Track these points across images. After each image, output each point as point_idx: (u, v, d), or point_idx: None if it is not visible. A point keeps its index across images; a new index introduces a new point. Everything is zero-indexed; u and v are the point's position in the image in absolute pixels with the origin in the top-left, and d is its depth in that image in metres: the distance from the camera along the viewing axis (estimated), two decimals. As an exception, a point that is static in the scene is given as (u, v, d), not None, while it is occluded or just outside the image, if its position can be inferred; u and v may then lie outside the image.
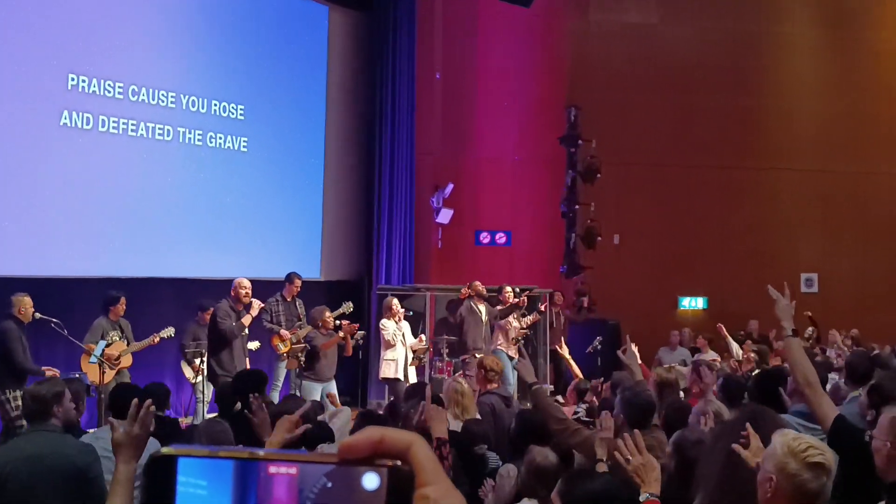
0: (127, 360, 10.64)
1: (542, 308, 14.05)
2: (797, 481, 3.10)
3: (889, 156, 19.37)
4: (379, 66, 15.90)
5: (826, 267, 19.11)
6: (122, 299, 10.73)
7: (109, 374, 10.33)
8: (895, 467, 3.65)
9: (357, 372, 14.05)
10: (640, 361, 7.22)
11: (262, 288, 11.46)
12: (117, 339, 10.60)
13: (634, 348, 7.31)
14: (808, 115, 19.12)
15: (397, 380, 11.98)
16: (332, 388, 11.05)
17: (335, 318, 11.28)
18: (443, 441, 4.93)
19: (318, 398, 10.80)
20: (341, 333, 11.12)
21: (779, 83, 19.13)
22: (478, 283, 13.07)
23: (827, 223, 19.11)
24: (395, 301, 12.43)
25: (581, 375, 9.55)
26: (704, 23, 18.76)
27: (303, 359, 10.96)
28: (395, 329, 12.22)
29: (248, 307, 10.55)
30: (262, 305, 10.86)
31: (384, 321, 12.29)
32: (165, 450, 0.85)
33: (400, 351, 12.20)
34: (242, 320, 10.45)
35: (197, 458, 0.85)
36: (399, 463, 0.84)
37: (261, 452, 0.85)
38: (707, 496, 3.63)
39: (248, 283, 10.59)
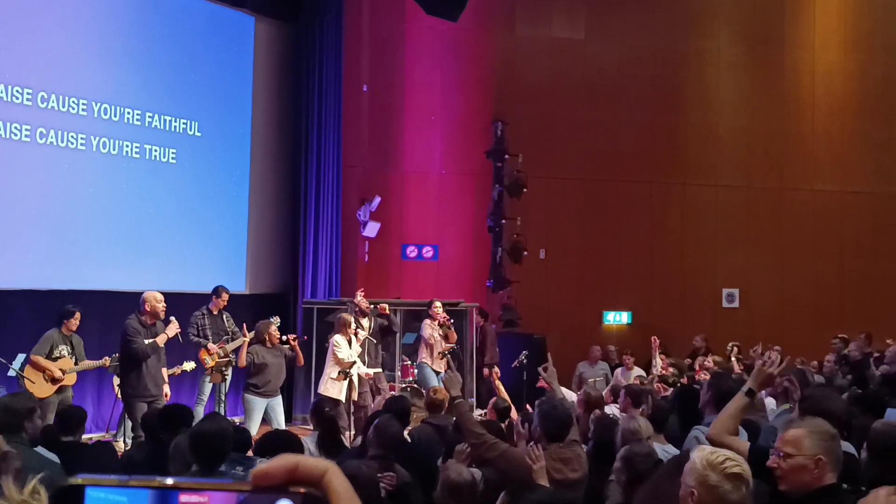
0: (71, 378, 10.43)
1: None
2: (718, 493, 3.18)
3: (808, 172, 19.77)
4: (305, 78, 15.82)
5: (747, 282, 19.43)
6: (78, 314, 10.53)
7: (49, 389, 10.13)
8: (824, 476, 3.69)
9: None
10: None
11: (189, 301, 11.29)
12: (66, 354, 10.40)
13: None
14: (731, 132, 19.46)
15: (339, 402, 11.32)
16: (278, 404, 10.88)
17: (294, 336, 11.20)
18: None
19: (260, 414, 10.66)
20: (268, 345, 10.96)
21: (702, 100, 19.44)
22: (360, 296, 12.87)
23: (748, 239, 19.43)
24: (351, 318, 11.94)
25: (506, 396, 9.58)
26: (630, 39, 18.99)
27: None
28: (349, 348, 11.67)
29: (165, 321, 10.19)
30: (178, 330, 10.27)
31: (337, 337, 11.68)
32: (74, 479, 0.82)
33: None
34: (157, 339, 9.89)
35: (107, 488, 0.82)
36: (313, 490, 0.82)
37: (170, 481, 0.82)
38: None
39: (161, 297, 10.10)
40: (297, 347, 11.17)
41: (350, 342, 11.72)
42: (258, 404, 10.61)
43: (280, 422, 10.78)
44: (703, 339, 16.29)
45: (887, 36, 20.34)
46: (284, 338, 11.11)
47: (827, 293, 19.51)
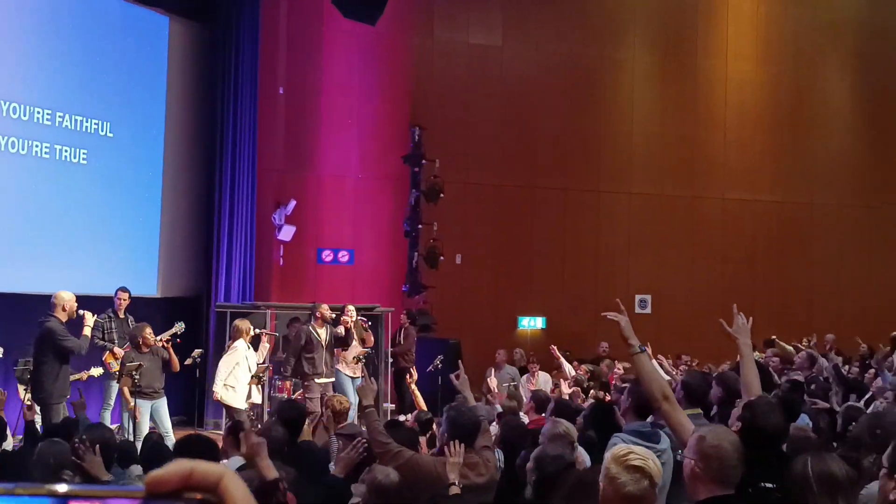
0: None
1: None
2: (617, 484, 3.22)
3: (717, 180, 20.14)
4: (221, 79, 15.61)
5: (659, 288, 19.72)
6: None
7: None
8: (698, 486, 3.67)
9: (195, 391, 13.76)
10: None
11: (98, 304, 11.09)
12: None
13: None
14: (643, 139, 19.74)
15: (238, 409, 11.22)
16: (162, 406, 10.76)
17: (168, 339, 10.97)
18: None
19: (147, 416, 10.55)
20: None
21: (617, 107, 19.70)
22: (324, 306, 12.83)
23: (660, 246, 19.73)
24: (249, 325, 11.76)
25: (424, 407, 9.57)
26: (546, 46, 19.16)
27: (137, 376, 10.65)
28: (245, 353, 11.56)
29: (79, 318, 10.09)
30: (95, 317, 10.41)
31: (238, 342, 11.54)
32: None
33: (244, 377, 11.46)
34: (85, 332, 9.95)
35: None
36: (209, 496, 0.80)
37: (62, 488, 0.79)
38: None
39: (74, 297, 10.06)
40: (171, 351, 11.00)
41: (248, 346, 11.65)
42: (145, 407, 10.50)
43: (164, 423, 10.72)
44: (607, 347, 16.53)
45: (798, 47, 20.81)
46: (166, 340, 10.98)
47: (736, 299, 19.75)
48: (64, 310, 9.89)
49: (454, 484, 5.23)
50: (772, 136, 20.58)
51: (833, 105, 21.09)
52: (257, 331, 12.22)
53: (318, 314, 12.62)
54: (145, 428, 10.44)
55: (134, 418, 10.29)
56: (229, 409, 11.45)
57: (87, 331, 10.01)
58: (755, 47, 20.70)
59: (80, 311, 10.10)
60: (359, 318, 13.20)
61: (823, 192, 20.84)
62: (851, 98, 21.30)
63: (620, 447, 3.37)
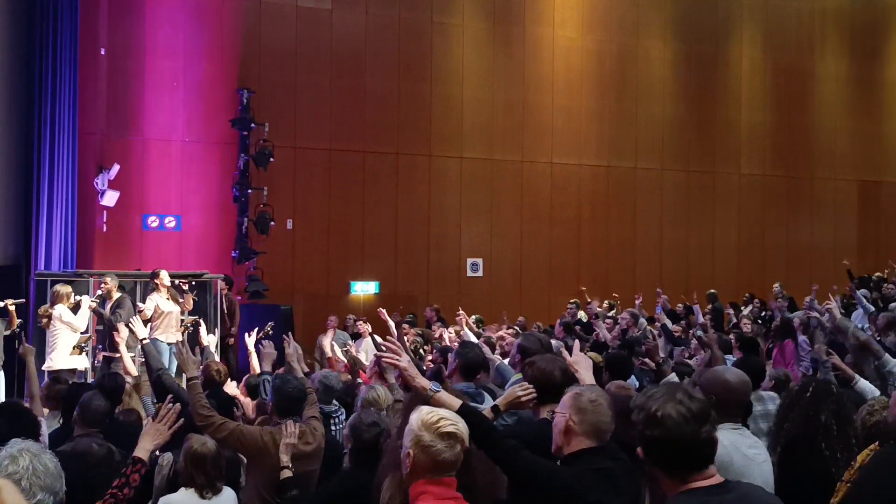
0: None
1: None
2: (432, 451, 3.22)
3: (545, 145, 20.48)
4: (39, 40, 14.98)
5: (490, 252, 19.98)
6: None
7: None
8: (571, 439, 3.81)
9: (14, 364, 13.26)
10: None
11: None
12: None
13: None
14: (474, 105, 19.88)
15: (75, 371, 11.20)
16: None
17: None
18: None
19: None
20: None
21: (447, 72, 19.76)
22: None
23: (491, 210, 19.98)
24: (69, 289, 11.62)
25: (259, 369, 9.40)
26: (375, 9, 19.05)
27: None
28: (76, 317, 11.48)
29: None
30: None
31: (60, 307, 11.39)
32: None
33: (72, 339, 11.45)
34: None
35: None
36: None
37: None
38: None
39: None
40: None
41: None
42: None
43: None
44: (434, 309, 16.73)
45: (622, 15, 21.27)
46: None
47: (563, 260, 20.34)
48: None
49: (287, 468, 5.21)
50: (598, 102, 21.03)
51: (655, 72, 21.67)
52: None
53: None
54: None
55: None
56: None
57: None
58: (580, 14, 21.03)
59: None
60: (178, 282, 13.02)
61: (647, 157, 21.45)
62: (673, 65, 21.92)
63: (430, 413, 3.32)
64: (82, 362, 11.78)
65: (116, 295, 12.03)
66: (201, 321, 12.29)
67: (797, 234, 22.95)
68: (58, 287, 11.64)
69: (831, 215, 23.41)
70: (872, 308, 14.74)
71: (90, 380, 12.01)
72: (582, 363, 4.68)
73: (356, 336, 14.80)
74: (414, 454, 3.25)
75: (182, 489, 5.16)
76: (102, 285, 12.28)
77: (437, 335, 13.00)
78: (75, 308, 11.59)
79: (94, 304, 11.74)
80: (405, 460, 3.29)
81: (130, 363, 8.67)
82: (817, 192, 23.32)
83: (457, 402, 3.77)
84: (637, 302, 15.59)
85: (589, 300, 17.06)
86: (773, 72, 22.82)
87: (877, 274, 19.27)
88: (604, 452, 3.80)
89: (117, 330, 8.76)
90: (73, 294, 11.59)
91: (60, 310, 11.38)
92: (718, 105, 22.27)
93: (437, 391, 3.91)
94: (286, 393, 5.62)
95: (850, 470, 3.95)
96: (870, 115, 23.81)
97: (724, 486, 2.90)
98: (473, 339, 9.50)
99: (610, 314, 15.99)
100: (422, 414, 3.30)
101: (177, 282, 13.08)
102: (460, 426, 3.30)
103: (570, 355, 4.78)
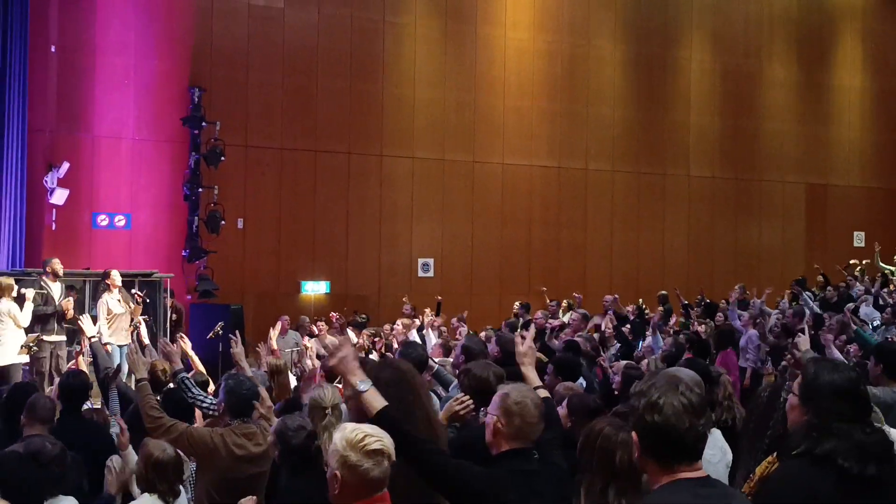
0: None
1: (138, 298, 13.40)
2: (360, 471, 3.15)
3: (497, 146, 20.59)
4: (-13, 35, 14.88)
5: (441, 252, 20.05)
6: None
7: None
8: (500, 441, 3.88)
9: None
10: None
11: None
12: None
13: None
14: (425, 105, 19.93)
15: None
16: None
17: None
18: None
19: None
20: None
21: (398, 71, 19.80)
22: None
23: (442, 210, 20.04)
24: (11, 281, 11.67)
25: (202, 369, 9.38)
26: (327, 8, 19.03)
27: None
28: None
29: None
30: None
31: (6, 302, 11.42)
32: None
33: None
34: None
35: None
36: None
37: None
38: None
39: None
40: None
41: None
42: None
43: None
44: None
45: (573, 16, 21.42)
46: None
47: (514, 261, 20.47)
48: None
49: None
50: (549, 103, 21.16)
51: (606, 74, 21.85)
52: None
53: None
54: None
55: None
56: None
57: None
58: (532, 16, 21.13)
59: None
60: (133, 292, 12.95)
61: (597, 158, 21.63)
62: (624, 67, 22.11)
63: (354, 431, 3.21)
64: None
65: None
66: (142, 321, 12.33)
67: (746, 235, 23.28)
68: (0, 279, 11.57)
69: (779, 217, 23.77)
70: (818, 310, 15.05)
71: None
72: (528, 357, 4.65)
73: (312, 336, 14.79)
74: (341, 476, 3.16)
75: (145, 495, 5.14)
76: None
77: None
78: (20, 302, 11.53)
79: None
80: (332, 482, 3.19)
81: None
82: (765, 194, 23.66)
83: (380, 404, 3.60)
84: (613, 298, 15.42)
85: (549, 301, 17.14)
86: (722, 75, 23.11)
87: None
88: (527, 454, 3.86)
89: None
90: (15, 287, 11.52)
91: (8, 304, 11.32)
92: (668, 107, 22.51)
93: (365, 390, 3.64)
94: (239, 394, 5.65)
95: (750, 481, 3.90)
96: (816, 119, 24.19)
97: (708, 480, 2.93)
98: (417, 338, 9.61)
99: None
100: (346, 433, 3.21)
101: (133, 291, 12.98)
102: (385, 441, 3.22)
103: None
